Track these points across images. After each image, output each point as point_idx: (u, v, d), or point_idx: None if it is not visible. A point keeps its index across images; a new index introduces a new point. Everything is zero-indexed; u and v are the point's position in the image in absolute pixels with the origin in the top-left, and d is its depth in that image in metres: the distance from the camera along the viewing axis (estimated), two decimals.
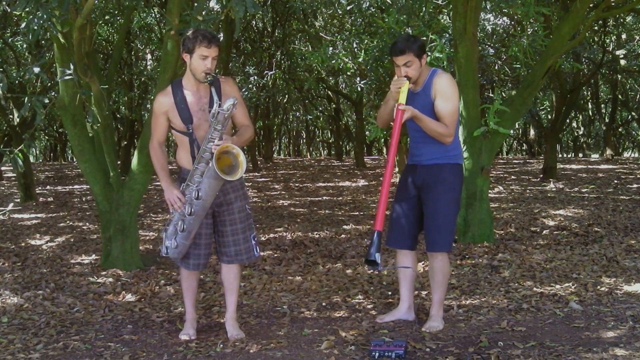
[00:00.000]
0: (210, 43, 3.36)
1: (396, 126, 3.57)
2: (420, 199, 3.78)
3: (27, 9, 3.92)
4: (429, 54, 6.08)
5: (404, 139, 7.21)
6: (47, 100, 4.58)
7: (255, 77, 14.29)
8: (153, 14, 13.47)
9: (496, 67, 13.23)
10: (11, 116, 10.48)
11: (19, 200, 10.31)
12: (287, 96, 18.50)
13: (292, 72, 15.95)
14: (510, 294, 4.43)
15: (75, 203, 10.16)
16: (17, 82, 9.48)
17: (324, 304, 4.38)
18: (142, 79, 14.83)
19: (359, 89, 10.93)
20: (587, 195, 9.51)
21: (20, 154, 4.76)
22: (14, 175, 14.16)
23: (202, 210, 3.48)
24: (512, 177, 12.84)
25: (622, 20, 13.82)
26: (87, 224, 7.96)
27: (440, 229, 3.70)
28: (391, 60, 3.74)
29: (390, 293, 4.54)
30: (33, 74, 4.44)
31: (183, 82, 3.53)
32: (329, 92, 18.65)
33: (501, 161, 18.60)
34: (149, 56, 16.51)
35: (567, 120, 17.62)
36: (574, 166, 15.36)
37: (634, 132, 26.42)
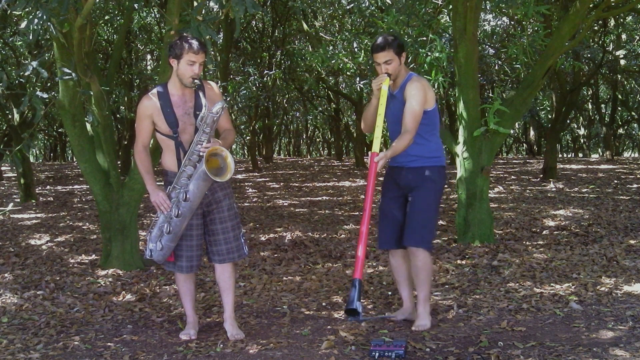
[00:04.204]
0: (198, 49, 3.43)
1: (371, 177, 3.60)
2: (406, 198, 3.81)
3: (27, 9, 3.92)
4: (429, 54, 6.08)
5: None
6: (45, 96, 4.57)
7: (255, 77, 14.30)
8: (153, 14, 13.48)
9: (496, 67, 13.23)
10: (10, 116, 10.48)
11: (19, 200, 10.31)
12: (287, 96, 18.50)
13: (292, 72, 15.95)
14: (510, 294, 4.43)
15: (75, 203, 10.16)
16: (17, 81, 9.47)
17: (324, 304, 4.38)
18: (142, 78, 14.83)
19: (359, 89, 10.93)
20: (587, 195, 9.51)
21: (18, 154, 4.76)
22: (14, 175, 14.16)
23: (189, 212, 3.50)
24: (512, 177, 12.84)
25: (622, 20, 13.81)
26: (87, 224, 7.96)
27: (418, 225, 3.71)
28: (372, 58, 3.81)
29: (390, 293, 4.55)
30: (33, 70, 4.43)
31: (169, 86, 3.57)
32: (329, 92, 18.64)
33: (501, 161, 18.60)
34: (149, 56, 16.51)
35: (567, 121, 17.61)
36: (574, 166, 15.36)
37: (634, 132, 26.41)
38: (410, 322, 3.86)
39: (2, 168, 15.40)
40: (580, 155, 24.06)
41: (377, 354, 3.24)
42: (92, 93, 5.11)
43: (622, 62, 14.50)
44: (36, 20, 3.87)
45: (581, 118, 23.44)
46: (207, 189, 3.53)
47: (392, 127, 3.86)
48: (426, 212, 3.73)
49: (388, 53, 3.69)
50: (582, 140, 24.55)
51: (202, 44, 3.46)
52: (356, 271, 3.52)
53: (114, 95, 12.72)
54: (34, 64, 4.43)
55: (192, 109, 3.53)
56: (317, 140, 31.55)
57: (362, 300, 3.66)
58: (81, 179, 13.61)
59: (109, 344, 3.66)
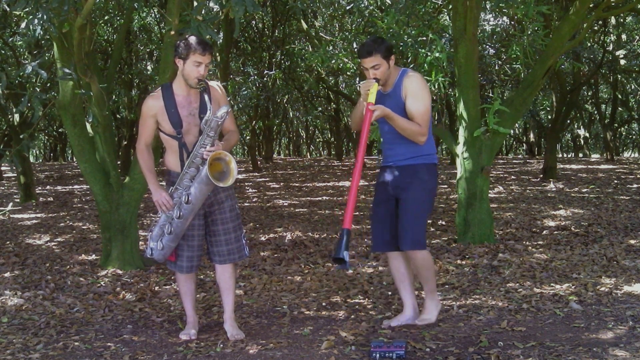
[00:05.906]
0: (204, 50, 3.39)
1: (365, 126, 3.54)
2: (397, 201, 3.75)
3: (27, 9, 3.92)
4: (429, 54, 6.08)
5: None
6: (44, 97, 4.57)
7: (255, 77, 14.31)
8: (153, 14, 13.49)
9: (496, 67, 13.23)
10: (10, 116, 10.48)
11: (19, 200, 10.31)
12: (287, 96, 18.52)
13: (292, 72, 15.95)
14: (510, 294, 4.43)
15: (75, 203, 10.16)
16: (17, 81, 9.47)
17: (324, 304, 4.37)
18: (142, 78, 14.82)
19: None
20: (587, 195, 9.51)
21: (17, 154, 4.76)
22: (14, 175, 14.16)
23: (190, 214, 3.50)
24: (512, 177, 12.83)
25: (622, 20, 13.81)
26: (87, 224, 7.96)
27: (409, 227, 3.64)
28: (360, 63, 3.74)
29: (390, 293, 4.54)
30: (32, 71, 4.43)
31: (173, 86, 3.54)
32: (329, 92, 18.64)
33: (501, 161, 18.59)
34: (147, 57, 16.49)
35: (567, 121, 17.60)
36: (574, 166, 15.35)
37: (634, 132, 26.41)
38: (410, 326, 3.83)
39: (2, 168, 15.40)
40: (581, 155, 24.04)
41: (377, 355, 3.24)
42: (92, 93, 5.11)
43: (622, 62, 14.50)
44: (36, 20, 3.87)
45: (581, 120, 23.43)
46: (209, 191, 3.53)
47: (383, 126, 3.77)
48: (415, 212, 3.65)
49: (375, 58, 3.59)
50: (581, 141, 24.54)
51: (208, 45, 3.43)
52: (345, 222, 3.45)
53: (114, 96, 12.73)
54: (34, 64, 4.43)
55: (196, 110, 3.50)
56: (317, 140, 31.55)
57: (349, 251, 3.62)
58: (81, 179, 13.60)
59: (109, 344, 3.66)
